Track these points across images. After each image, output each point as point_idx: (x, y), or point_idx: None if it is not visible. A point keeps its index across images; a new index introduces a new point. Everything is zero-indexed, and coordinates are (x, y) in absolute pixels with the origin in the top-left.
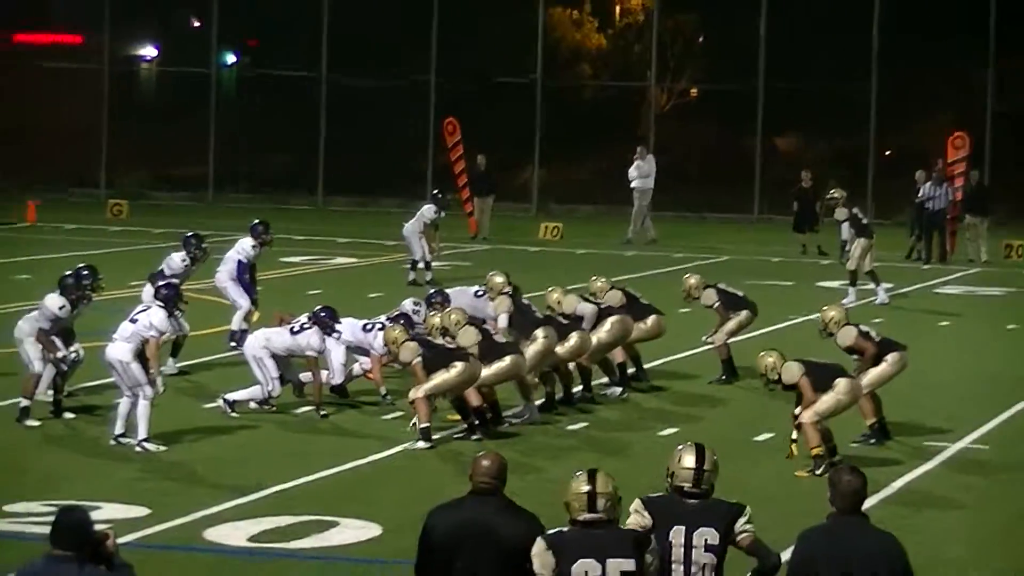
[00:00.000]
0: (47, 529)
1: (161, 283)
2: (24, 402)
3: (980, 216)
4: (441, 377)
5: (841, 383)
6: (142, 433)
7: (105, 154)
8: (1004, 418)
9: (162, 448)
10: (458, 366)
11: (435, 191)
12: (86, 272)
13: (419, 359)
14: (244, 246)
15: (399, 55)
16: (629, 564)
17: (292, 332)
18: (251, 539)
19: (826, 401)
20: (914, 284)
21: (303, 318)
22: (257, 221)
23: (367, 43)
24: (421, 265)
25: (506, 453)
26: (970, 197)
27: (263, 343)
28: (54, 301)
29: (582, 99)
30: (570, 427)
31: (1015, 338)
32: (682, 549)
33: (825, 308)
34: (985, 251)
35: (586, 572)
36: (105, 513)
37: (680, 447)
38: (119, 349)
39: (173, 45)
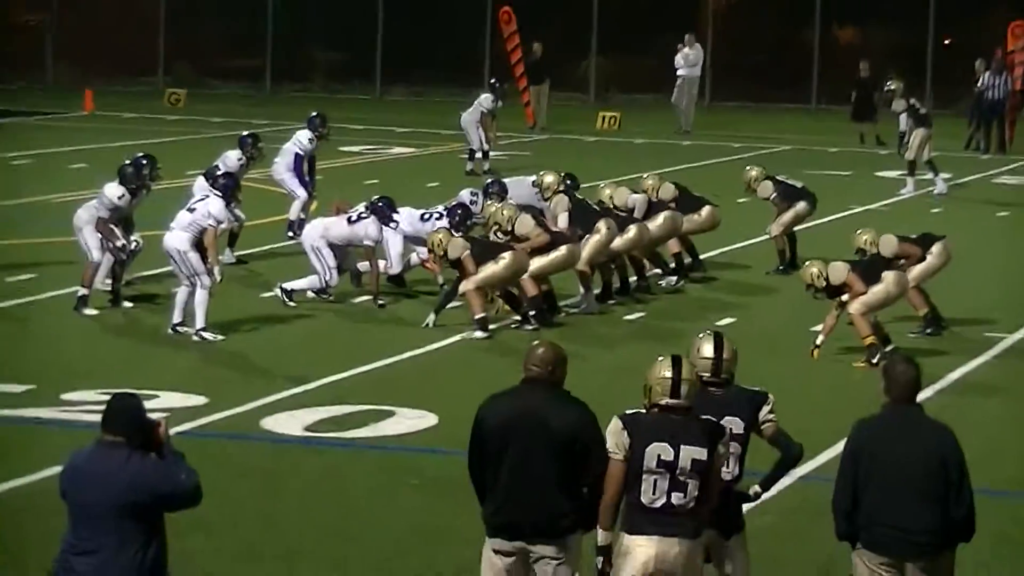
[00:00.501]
0: (99, 417)
1: (220, 172)
2: (82, 291)
3: None
4: (490, 270)
5: (889, 275)
6: (200, 322)
7: (163, 43)
8: None
9: (220, 337)
10: (506, 257)
11: (492, 80)
12: (145, 161)
13: (467, 252)
14: (301, 138)
15: None
16: (701, 453)
17: (349, 221)
18: (307, 428)
19: (875, 292)
20: (973, 174)
21: (361, 207)
22: (315, 114)
23: None
24: (479, 155)
25: (562, 342)
26: None
27: (321, 232)
28: (113, 190)
29: None
30: (626, 317)
31: None
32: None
33: (858, 232)
34: None
35: (659, 455)
36: (162, 402)
37: (699, 336)
38: (177, 238)
39: None
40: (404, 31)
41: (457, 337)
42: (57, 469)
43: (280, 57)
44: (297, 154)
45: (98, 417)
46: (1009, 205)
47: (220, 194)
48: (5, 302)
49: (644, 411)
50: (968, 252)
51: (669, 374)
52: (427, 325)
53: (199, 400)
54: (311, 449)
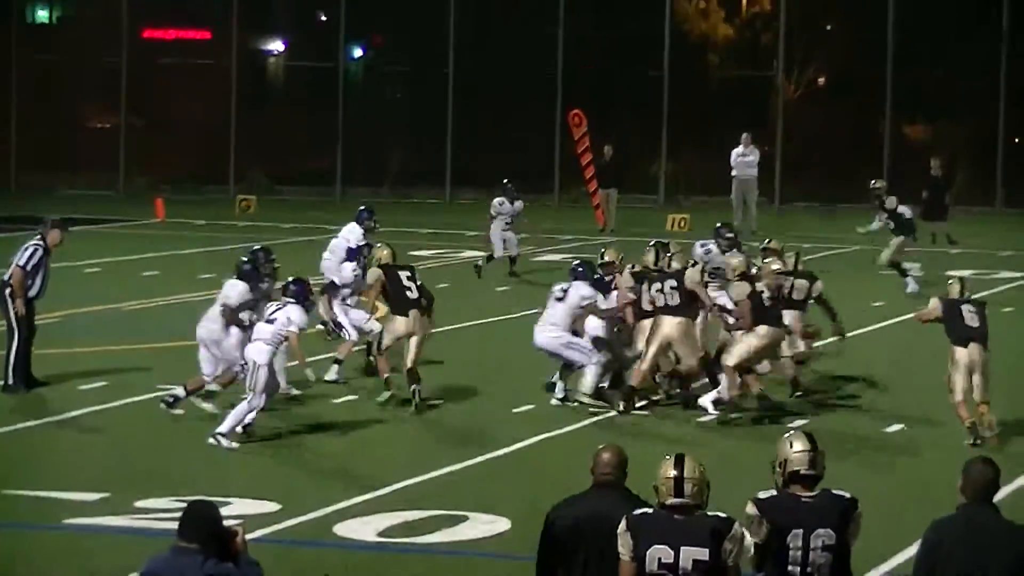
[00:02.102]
0: (175, 525)
1: (289, 280)
2: (180, 391)
3: None
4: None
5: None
6: (224, 427)
7: (233, 149)
8: None
9: (234, 446)
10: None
11: (505, 180)
12: (261, 253)
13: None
14: (353, 232)
15: (526, 47)
16: (702, 553)
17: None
18: (380, 534)
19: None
20: None
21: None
22: (363, 207)
23: (493, 36)
24: (504, 259)
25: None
26: None
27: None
28: (234, 286)
29: (709, 89)
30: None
31: None
32: (800, 553)
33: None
34: None
35: (659, 559)
36: (235, 508)
37: (787, 434)
38: (258, 350)
39: (301, 40)
40: (473, 133)
41: (529, 441)
42: None
43: (350, 161)
44: (350, 248)
45: (173, 524)
46: None
47: (294, 300)
48: (78, 410)
49: (651, 511)
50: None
51: (673, 473)
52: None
53: (272, 506)
54: (385, 555)
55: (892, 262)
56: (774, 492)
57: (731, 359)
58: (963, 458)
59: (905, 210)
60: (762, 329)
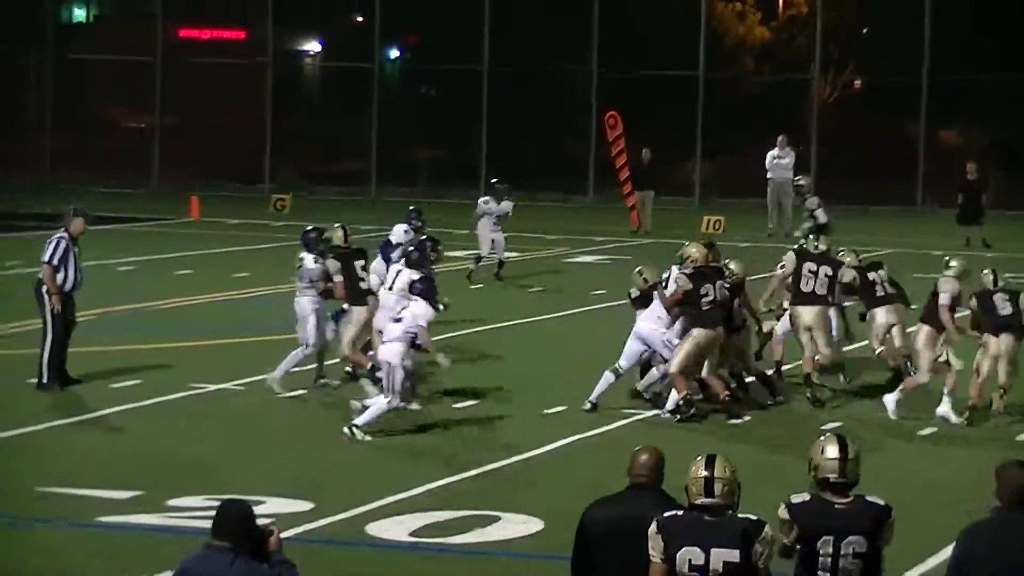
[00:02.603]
0: (207, 524)
1: (415, 279)
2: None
3: None
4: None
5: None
6: (363, 420)
7: (269, 149)
8: None
9: (367, 439)
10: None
11: (494, 180)
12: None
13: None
14: (396, 231)
15: (561, 48)
16: (733, 555)
17: None
18: (413, 534)
19: None
20: None
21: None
22: (412, 208)
23: (528, 36)
24: (483, 262)
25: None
26: None
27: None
28: (308, 259)
29: (745, 92)
30: (731, 420)
31: None
32: (830, 559)
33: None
34: None
35: (689, 560)
36: (268, 508)
37: (822, 437)
38: (391, 351)
39: (336, 40)
40: (508, 134)
41: (561, 442)
42: (167, 575)
43: (384, 161)
44: (388, 240)
45: (205, 523)
46: None
47: (420, 297)
48: (110, 408)
49: (681, 513)
50: None
51: (704, 473)
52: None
53: (304, 505)
54: (417, 555)
55: None
56: (807, 497)
57: (674, 366)
58: (995, 461)
59: (821, 214)
60: (696, 331)
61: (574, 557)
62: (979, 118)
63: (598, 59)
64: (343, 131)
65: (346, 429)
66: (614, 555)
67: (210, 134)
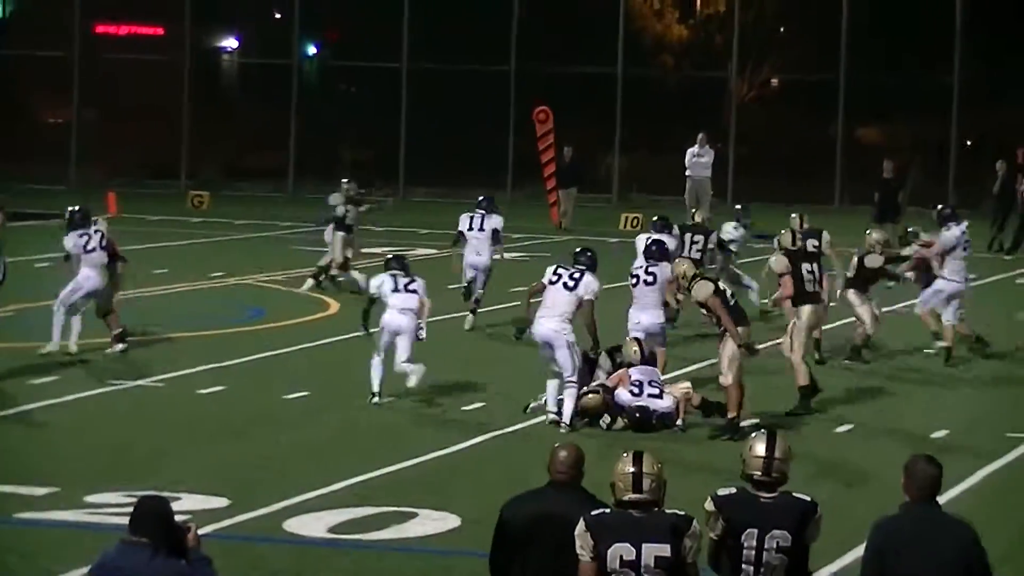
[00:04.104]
0: (126, 520)
1: (588, 253)
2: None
3: None
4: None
5: None
6: (567, 416)
7: (186, 145)
8: None
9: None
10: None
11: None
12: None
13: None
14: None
15: (480, 45)
16: (664, 550)
17: None
18: (331, 530)
19: None
20: (996, 274)
21: None
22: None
23: (447, 32)
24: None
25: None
26: None
27: None
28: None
29: (664, 89)
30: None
31: None
32: (754, 552)
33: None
34: None
35: (620, 556)
36: (186, 504)
37: (753, 435)
38: (553, 325)
39: (254, 36)
40: (428, 131)
41: (481, 438)
42: (83, 571)
43: (303, 157)
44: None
45: (123, 519)
46: None
47: (588, 267)
48: (29, 404)
49: (609, 510)
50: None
51: (631, 469)
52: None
53: (221, 502)
54: (335, 551)
55: None
56: (733, 490)
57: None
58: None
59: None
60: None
61: (492, 553)
62: (898, 116)
63: (517, 56)
64: (262, 127)
65: (562, 430)
66: (533, 551)
67: (128, 130)
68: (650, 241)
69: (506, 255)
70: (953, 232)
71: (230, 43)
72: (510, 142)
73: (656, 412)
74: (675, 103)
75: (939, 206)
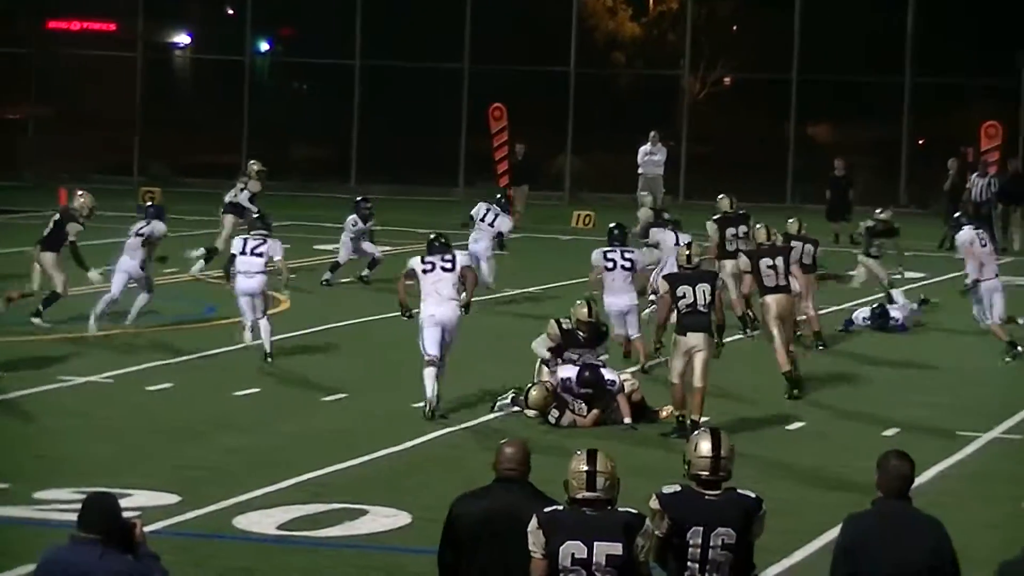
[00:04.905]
0: (75, 516)
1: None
2: None
3: (1017, 205)
4: None
5: None
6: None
7: (138, 141)
8: None
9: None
10: None
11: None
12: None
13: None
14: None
15: (433, 42)
16: (616, 548)
17: None
18: (281, 527)
19: None
20: (948, 274)
21: None
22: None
23: (401, 30)
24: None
25: None
26: (1008, 186)
27: None
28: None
29: (616, 87)
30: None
31: None
32: (699, 550)
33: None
34: (1019, 239)
35: (572, 554)
36: (135, 500)
37: (696, 432)
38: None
39: (207, 33)
40: (380, 128)
41: (432, 435)
42: (31, 567)
43: (255, 154)
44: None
45: (73, 516)
46: None
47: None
48: None
49: (562, 507)
50: (942, 354)
51: (585, 467)
52: None
53: (172, 498)
54: (285, 548)
55: None
56: (678, 488)
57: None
58: (870, 455)
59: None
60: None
61: (441, 550)
62: (849, 116)
63: (470, 54)
64: (214, 124)
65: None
66: (482, 548)
67: (81, 125)
68: (613, 226)
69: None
70: (967, 233)
71: (182, 39)
72: (463, 140)
73: (604, 378)
74: (628, 101)
75: (957, 214)
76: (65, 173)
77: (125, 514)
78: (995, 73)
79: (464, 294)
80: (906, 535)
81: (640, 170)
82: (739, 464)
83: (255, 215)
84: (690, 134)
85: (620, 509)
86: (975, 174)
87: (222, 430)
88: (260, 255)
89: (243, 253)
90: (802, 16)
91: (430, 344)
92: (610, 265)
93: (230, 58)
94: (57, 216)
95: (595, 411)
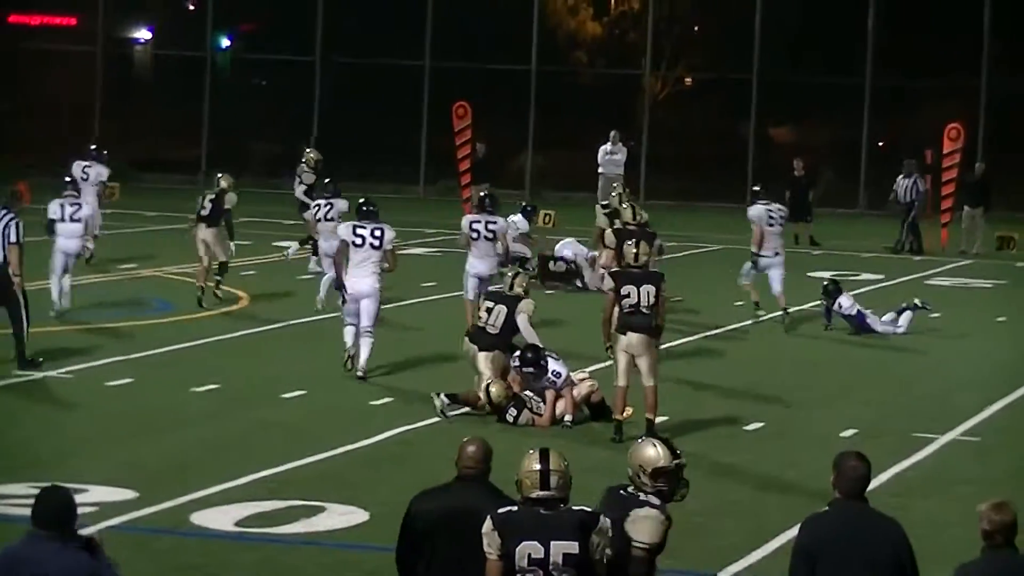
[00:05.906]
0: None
1: None
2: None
3: (979, 208)
4: None
5: None
6: None
7: (97, 136)
8: (994, 410)
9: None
10: None
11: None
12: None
13: None
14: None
15: (394, 39)
16: (573, 547)
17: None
18: (238, 524)
19: None
20: (906, 275)
21: None
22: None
23: (361, 26)
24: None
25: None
26: (970, 188)
27: None
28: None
29: (577, 86)
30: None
31: (1004, 330)
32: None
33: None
34: (980, 243)
35: (529, 554)
36: (92, 496)
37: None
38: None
39: (167, 28)
40: (340, 125)
41: (391, 432)
42: None
43: (215, 149)
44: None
45: (27, 511)
46: (940, 307)
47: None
48: None
49: (516, 508)
50: (901, 353)
51: (538, 467)
52: None
53: (129, 494)
54: (242, 544)
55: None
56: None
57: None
58: (828, 456)
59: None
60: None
61: (399, 547)
62: (810, 117)
63: (431, 51)
64: (174, 119)
65: None
66: (441, 546)
67: (41, 120)
68: (484, 195)
69: (418, 251)
70: (758, 208)
71: (143, 34)
72: (423, 137)
73: (546, 359)
74: (589, 100)
75: (755, 187)
76: (31, 167)
77: (83, 510)
78: (957, 75)
79: (387, 264)
80: (865, 536)
81: (600, 170)
82: (695, 464)
83: (69, 180)
84: (650, 134)
85: (574, 508)
86: (900, 175)
87: (180, 426)
88: (78, 221)
89: (62, 220)
90: (763, 16)
91: (350, 316)
92: (475, 235)
93: (191, 54)
94: (212, 195)
95: (549, 413)
